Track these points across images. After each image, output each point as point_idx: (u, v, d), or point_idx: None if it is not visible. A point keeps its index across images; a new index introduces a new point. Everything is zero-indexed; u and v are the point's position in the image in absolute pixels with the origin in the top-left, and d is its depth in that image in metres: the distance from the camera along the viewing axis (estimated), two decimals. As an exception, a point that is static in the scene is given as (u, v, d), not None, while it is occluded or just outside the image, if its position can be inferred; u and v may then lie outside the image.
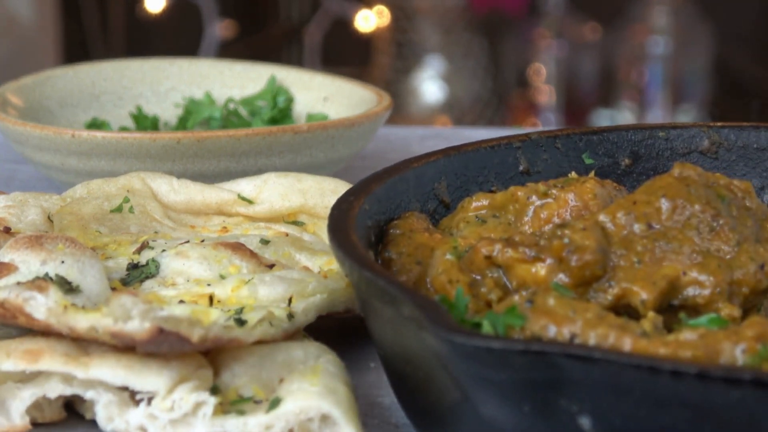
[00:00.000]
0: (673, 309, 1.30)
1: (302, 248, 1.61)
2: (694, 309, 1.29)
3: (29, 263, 1.41)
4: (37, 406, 1.39)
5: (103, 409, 1.35)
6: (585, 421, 1.11)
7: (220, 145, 1.91)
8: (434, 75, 5.47)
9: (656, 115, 5.36)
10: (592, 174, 1.48)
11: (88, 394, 1.36)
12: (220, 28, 5.64)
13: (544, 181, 1.46)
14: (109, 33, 5.61)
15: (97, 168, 1.92)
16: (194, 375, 1.35)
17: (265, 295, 1.44)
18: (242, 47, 5.57)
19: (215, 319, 1.36)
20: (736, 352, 1.16)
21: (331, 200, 1.60)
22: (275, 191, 1.74)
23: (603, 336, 1.18)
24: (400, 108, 5.37)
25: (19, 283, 1.36)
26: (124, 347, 1.34)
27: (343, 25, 5.57)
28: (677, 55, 5.38)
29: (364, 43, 5.59)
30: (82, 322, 1.33)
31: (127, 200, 1.69)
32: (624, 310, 1.30)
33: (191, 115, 2.27)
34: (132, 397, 1.35)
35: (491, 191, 1.54)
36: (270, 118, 2.23)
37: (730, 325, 1.22)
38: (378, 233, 1.43)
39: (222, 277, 1.49)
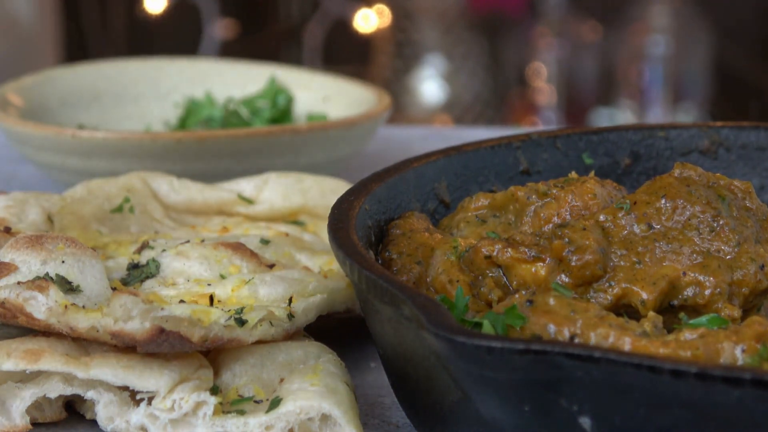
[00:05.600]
0: (673, 309, 1.30)
1: (302, 248, 1.61)
2: (694, 309, 1.29)
3: (30, 263, 1.41)
4: (38, 406, 1.39)
5: (104, 409, 1.35)
6: (585, 421, 1.11)
7: (220, 145, 1.91)
8: (434, 74, 5.46)
9: (656, 115, 5.36)
10: (592, 174, 1.48)
11: (89, 394, 1.36)
12: (220, 28, 5.64)
13: (544, 181, 1.46)
14: (109, 33, 5.61)
15: (97, 168, 1.93)
16: (195, 375, 1.35)
17: (266, 295, 1.44)
18: (242, 47, 5.57)
19: (216, 319, 1.36)
20: (736, 352, 1.16)
21: (332, 200, 1.60)
22: (275, 191, 1.74)
23: (603, 336, 1.18)
24: (400, 108, 5.36)
25: (19, 283, 1.36)
26: (125, 347, 1.34)
27: (343, 24, 5.57)
28: (677, 54, 5.38)
29: (364, 42, 5.59)
30: (82, 322, 1.33)
31: (127, 200, 1.69)
32: (624, 310, 1.30)
33: (191, 115, 2.27)
34: (132, 397, 1.35)
35: (491, 191, 1.54)
36: (270, 118, 2.23)
37: (730, 325, 1.22)
38: (378, 233, 1.43)
39: (222, 277, 1.49)
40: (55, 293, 1.34)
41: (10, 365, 1.34)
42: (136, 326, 1.31)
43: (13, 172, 2.25)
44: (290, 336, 1.43)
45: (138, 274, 1.51)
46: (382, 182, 1.46)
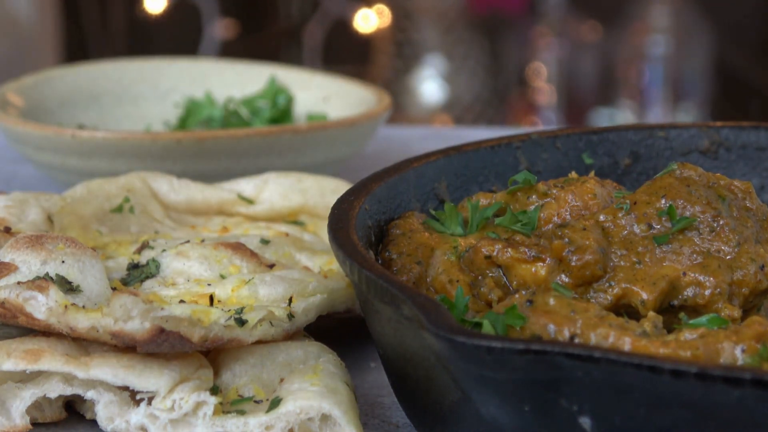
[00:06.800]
0: (673, 309, 1.30)
1: (302, 248, 1.61)
2: (694, 309, 1.29)
3: (30, 263, 1.41)
4: (38, 406, 1.39)
5: (104, 409, 1.35)
6: (585, 421, 1.11)
7: (220, 145, 1.91)
8: (434, 74, 5.46)
9: (656, 115, 5.36)
10: (592, 174, 1.48)
11: (89, 394, 1.36)
12: (220, 28, 5.64)
13: (544, 181, 1.46)
14: (109, 33, 5.61)
15: (97, 168, 1.93)
16: (195, 375, 1.35)
17: (266, 295, 1.44)
18: (242, 47, 5.57)
19: (216, 319, 1.36)
20: (736, 352, 1.16)
21: (332, 200, 1.60)
22: (275, 191, 1.74)
23: (603, 336, 1.18)
24: (400, 108, 5.36)
25: (19, 283, 1.36)
26: (125, 347, 1.34)
27: (343, 24, 5.57)
28: (677, 55, 5.38)
29: (364, 42, 5.59)
30: (82, 321, 1.33)
31: (127, 200, 1.69)
32: (624, 310, 1.30)
33: (191, 115, 2.27)
34: (132, 397, 1.35)
35: (491, 191, 1.54)
36: (270, 118, 2.23)
37: (730, 325, 1.22)
38: (378, 233, 1.43)
39: (222, 277, 1.49)
40: (55, 293, 1.34)
41: (10, 365, 1.34)
42: (136, 326, 1.31)
43: (13, 172, 2.25)
44: (290, 336, 1.43)
45: (138, 274, 1.51)
46: (382, 182, 1.46)
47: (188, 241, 1.55)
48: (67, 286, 1.39)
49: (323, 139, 1.96)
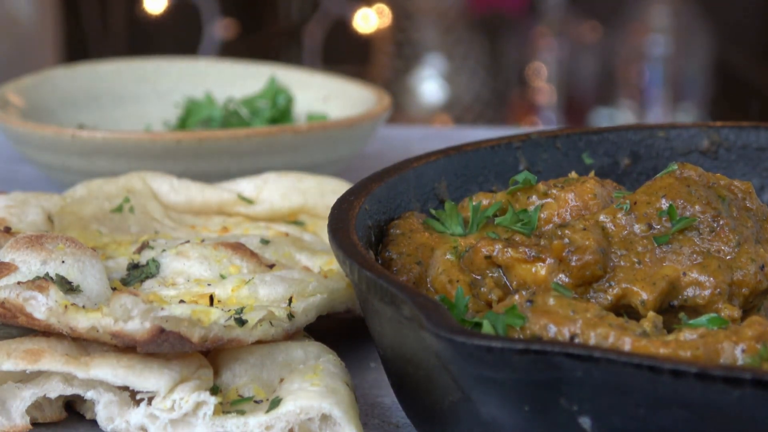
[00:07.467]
0: (673, 309, 1.30)
1: (302, 248, 1.61)
2: (694, 309, 1.29)
3: (30, 263, 1.41)
4: (38, 406, 1.39)
5: (104, 409, 1.35)
6: (585, 421, 1.11)
7: (220, 145, 1.91)
8: (434, 74, 5.46)
9: (656, 115, 5.36)
10: (592, 174, 1.48)
11: (89, 394, 1.36)
12: (220, 28, 5.64)
13: (544, 181, 1.46)
14: (109, 33, 5.61)
15: (97, 168, 1.93)
16: (195, 375, 1.35)
17: (266, 295, 1.44)
18: (242, 47, 5.57)
19: (216, 319, 1.36)
20: (736, 352, 1.16)
21: (332, 200, 1.60)
22: (275, 191, 1.74)
23: (603, 336, 1.18)
24: (400, 108, 5.36)
25: (19, 283, 1.36)
26: (125, 347, 1.34)
27: (343, 24, 5.57)
28: (677, 55, 5.38)
29: (364, 42, 5.59)
30: (82, 322, 1.33)
31: (127, 200, 1.69)
32: (624, 310, 1.30)
33: (191, 115, 2.27)
34: (132, 397, 1.35)
35: (491, 191, 1.54)
36: (270, 118, 2.23)
37: (730, 325, 1.22)
38: (378, 233, 1.43)
39: (222, 277, 1.49)
40: (55, 293, 1.34)
41: (10, 365, 1.34)
42: (136, 326, 1.31)
43: (13, 172, 2.25)
44: (290, 336, 1.43)
45: (138, 274, 1.51)
46: (382, 182, 1.46)
47: (188, 241, 1.55)
48: (67, 286, 1.39)
49: (323, 139, 1.96)
